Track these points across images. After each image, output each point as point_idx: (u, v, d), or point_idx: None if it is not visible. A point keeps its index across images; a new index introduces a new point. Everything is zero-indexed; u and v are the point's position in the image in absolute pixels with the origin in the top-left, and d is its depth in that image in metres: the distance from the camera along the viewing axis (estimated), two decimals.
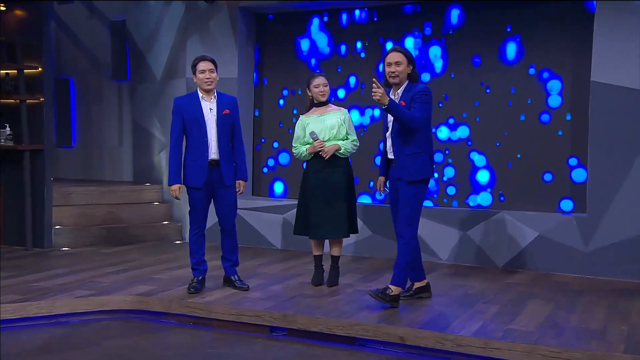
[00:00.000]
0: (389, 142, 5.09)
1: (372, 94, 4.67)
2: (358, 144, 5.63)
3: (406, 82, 4.97)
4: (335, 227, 5.53)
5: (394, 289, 4.94)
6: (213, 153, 5.32)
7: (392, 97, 4.98)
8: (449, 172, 7.09)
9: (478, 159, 6.95)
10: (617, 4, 6.02)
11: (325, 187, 5.52)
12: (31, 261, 6.74)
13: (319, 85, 5.54)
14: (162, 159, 8.31)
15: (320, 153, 5.48)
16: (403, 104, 4.87)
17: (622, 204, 6.07)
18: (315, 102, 5.62)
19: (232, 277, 5.57)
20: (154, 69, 8.32)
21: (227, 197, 5.43)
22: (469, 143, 6.99)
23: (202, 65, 5.27)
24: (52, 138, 7.70)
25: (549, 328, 4.46)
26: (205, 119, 5.30)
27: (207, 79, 5.26)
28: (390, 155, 5.08)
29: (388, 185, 5.28)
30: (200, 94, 5.34)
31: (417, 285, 5.28)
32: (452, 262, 6.75)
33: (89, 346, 4.56)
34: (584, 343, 4.13)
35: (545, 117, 6.67)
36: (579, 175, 6.54)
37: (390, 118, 4.99)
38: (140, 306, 5.27)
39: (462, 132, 7.02)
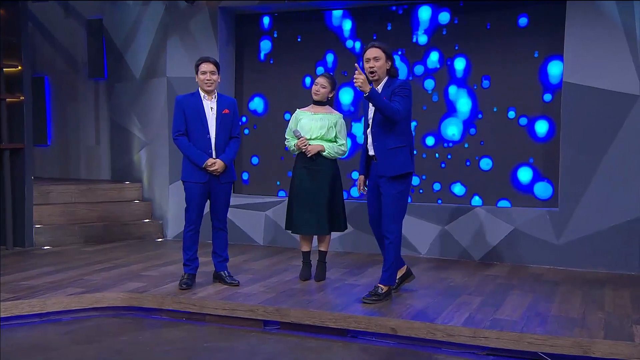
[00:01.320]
0: (369, 139, 5.06)
1: (354, 79, 4.63)
2: (346, 150, 5.68)
3: (386, 78, 4.97)
4: (316, 224, 5.64)
5: (384, 287, 5.09)
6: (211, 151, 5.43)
7: None
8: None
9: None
10: (588, 5, 6.30)
11: (309, 183, 5.63)
12: (15, 260, 6.72)
13: (317, 84, 5.65)
14: (142, 157, 8.34)
15: (303, 151, 5.61)
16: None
17: (592, 198, 6.38)
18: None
19: (222, 273, 5.68)
20: (133, 68, 8.32)
21: (222, 194, 5.54)
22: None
23: (204, 67, 5.40)
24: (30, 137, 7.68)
25: (533, 317, 4.69)
26: (207, 117, 5.42)
27: (207, 80, 5.39)
28: (371, 152, 5.06)
29: (368, 184, 5.25)
30: (201, 94, 5.46)
31: (399, 274, 5.38)
32: (432, 255, 6.98)
33: (85, 343, 4.61)
34: (567, 330, 4.37)
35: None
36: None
37: (370, 114, 5.00)
38: (133, 303, 5.34)
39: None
